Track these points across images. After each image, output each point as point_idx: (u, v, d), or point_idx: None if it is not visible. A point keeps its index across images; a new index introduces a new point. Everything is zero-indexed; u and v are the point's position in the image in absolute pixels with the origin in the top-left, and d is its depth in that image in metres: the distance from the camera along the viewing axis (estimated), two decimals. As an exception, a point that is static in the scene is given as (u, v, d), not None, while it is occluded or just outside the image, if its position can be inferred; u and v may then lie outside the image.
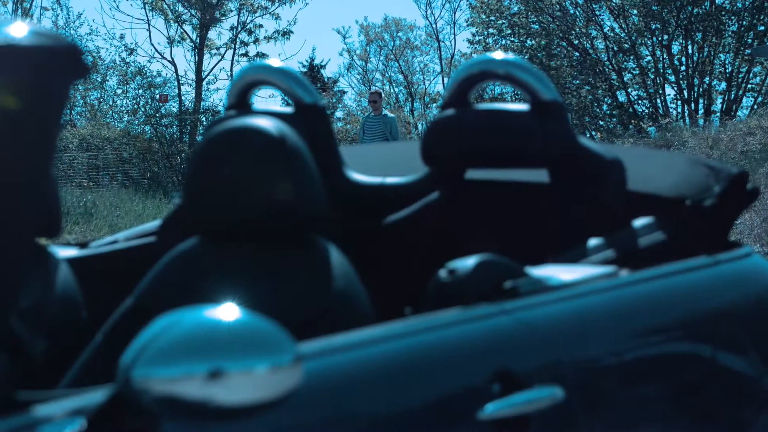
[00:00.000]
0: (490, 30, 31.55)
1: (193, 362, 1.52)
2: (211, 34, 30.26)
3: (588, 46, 29.20)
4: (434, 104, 43.89)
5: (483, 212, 3.11)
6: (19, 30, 1.71)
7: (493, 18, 31.19)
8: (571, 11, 29.30)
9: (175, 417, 1.55)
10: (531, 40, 30.19)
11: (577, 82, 29.19)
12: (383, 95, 17.52)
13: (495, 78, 3.18)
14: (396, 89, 45.94)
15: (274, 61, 3.55)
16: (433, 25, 46.90)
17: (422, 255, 3.06)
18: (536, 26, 30.07)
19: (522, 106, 3.07)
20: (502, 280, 2.36)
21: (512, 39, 30.38)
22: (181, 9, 29.64)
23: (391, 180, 3.39)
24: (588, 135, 26.86)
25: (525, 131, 3.00)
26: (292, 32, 30.25)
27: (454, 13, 50.07)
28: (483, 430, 2.11)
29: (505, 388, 2.17)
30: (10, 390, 1.60)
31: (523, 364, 2.28)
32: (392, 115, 15.58)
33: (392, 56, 45.47)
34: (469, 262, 2.33)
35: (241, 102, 3.45)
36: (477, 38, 32.43)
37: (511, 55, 3.25)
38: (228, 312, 1.57)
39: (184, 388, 1.51)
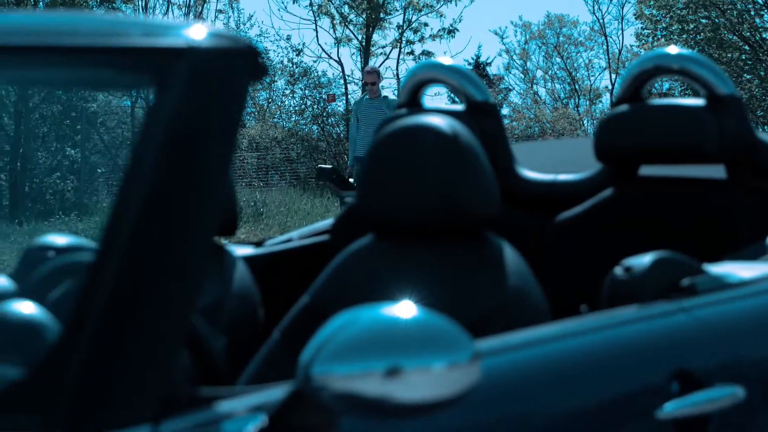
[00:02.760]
0: (659, 26, 31.08)
1: (371, 359, 1.52)
2: (376, 35, 30.40)
3: (758, 38, 28.54)
4: (598, 100, 43.43)
5: (658, 209, 3.06)
6: (198, 32, 1.75)
7: (661, 13, 30.70)
8: (739, 6, 28.67)
9: (354, 414, 1.55)
10: (700, 35, 29.64)
11: (749, 76, 28.57)
12: (382, 75, 13.81)
13: (669, 73, 3.14)
14: (559, 85, 45.63)
15: (445, 59, 3.56)
16: (601, 21, 46.42)
17: (596, 252, 3.03)
18: (704, 20, 29.52)
19: (698, 101, 3.01)
20: (680, 278, 2.32)
21: (681, 35, 29.84)
22: (347, 11, 29.89)
23: (563, 177, 3.37)
24: (761, 129, 26.26)
25: (701, 127, 2.95)
26: (457, 30, 30.12)
27: (622, 8, 49.39)
28: (662, 429, 2.08)
29: (684, 387, 2.14)
30: (193, 386, 1.63)
31: (702, 362, 2.24)
32: (393, 97, 12.46)
33: (553, 53, 45.12)
34: (645, 260, 2.30)
35: (412, 100, 3.46)
36: (645, 32, 31.97)
37: (685, 50, 3.19)
38: (405, 309, 1.57)
39: (363, 386, 1.51)
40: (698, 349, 2.26)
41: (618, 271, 2.31)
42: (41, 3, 24.01)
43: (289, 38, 38.84)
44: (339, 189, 11.51)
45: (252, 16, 56.38)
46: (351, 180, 11.48)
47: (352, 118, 12.23)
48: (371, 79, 12.14)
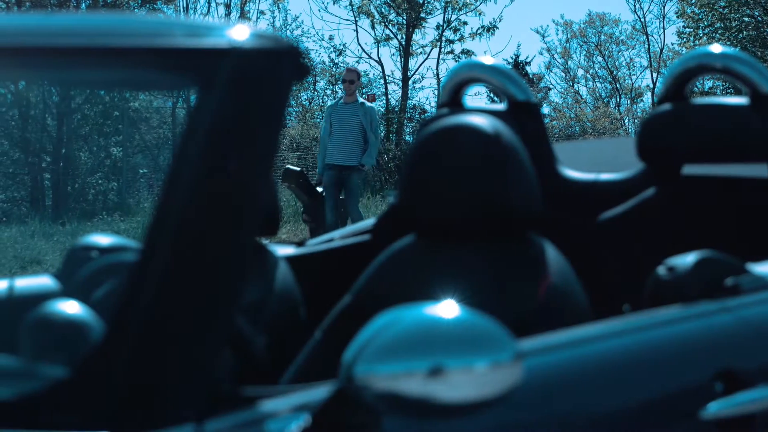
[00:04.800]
0: (701, 24, 30.92)
1: (414, 359, 1.52)
2: (416, 35, 30.39)
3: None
4: (640, 99, 43.27)
5: (701, 208, 3.04)
6: (241, 32, 1.75)
7: (703, 11, 30.54)
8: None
9: (396, 413, 1.55)
10: (742, 34, 29.46)
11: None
12: (361, 76, 12.88)
13: (712, 71, 3.12)
14: (600, 84, 45.48)
15: (486, 59, 3.55)
16: (642, 20, 46.20)
17: (639, 252, 3.01)
18: (747, 19, 29.34)
19: (741, 100, 3.00)
20: (723, 278, 2.31)
21: (724, 33, 29.66)
22: (386, 11, 29.90)
23: (605, 176, 3.35)
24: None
25: (744, 125, 2.94)
26: (497, 27, 30.05)
27: (664, 7, 49.15)
28: (706, 430, 2.07)
29: (727, 388, 2.12)
30: (237, 385, 1.64)
31: (746, 362, 2.23)
32: (370, 103, 11.94)
33: (595, 51, 45.00)
34: (688, 259, 2.29)
35: (453, 100, 3.46)
36: (687, 30, 31.81)
37: (728, 48, 3.17)
38: (448, 309, 1.57)
39: (406, 385, 1.51)
40: (742, 349, 2.25)
41: (661, 270, 2.30)
42: (83, 4, 24.16)
43: (331, 38, 38.95)
44: (303, 193, 11.37)
45: (297, 17, 56.45)
46: (319, 189, 11.25)
47: (324, 123, 11.67)
48: (350, 77, 11.55)
